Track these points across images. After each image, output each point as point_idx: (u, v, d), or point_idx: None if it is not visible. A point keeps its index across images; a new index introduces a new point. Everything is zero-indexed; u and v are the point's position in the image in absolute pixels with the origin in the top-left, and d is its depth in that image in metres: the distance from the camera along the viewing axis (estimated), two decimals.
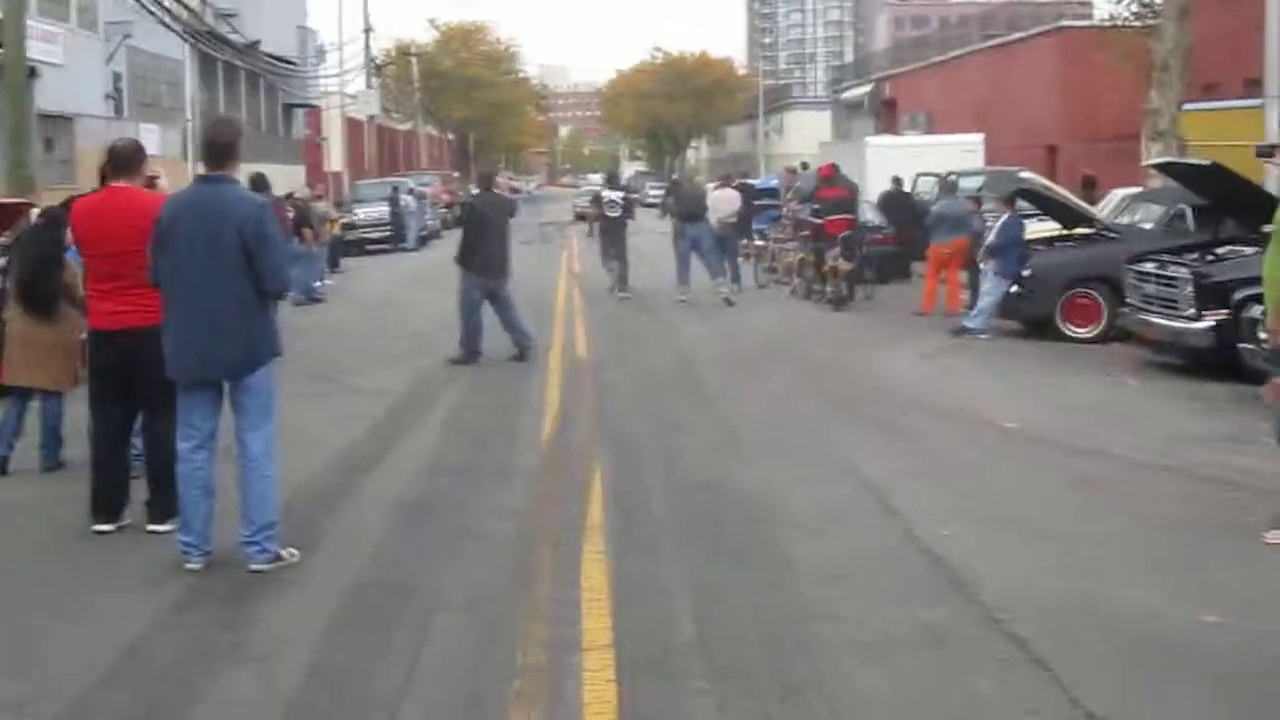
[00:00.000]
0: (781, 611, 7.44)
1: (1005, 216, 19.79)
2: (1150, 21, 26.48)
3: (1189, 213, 18.76)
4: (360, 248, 42.98)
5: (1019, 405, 13.95)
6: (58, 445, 11.32)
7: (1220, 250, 16.33)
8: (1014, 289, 19.32)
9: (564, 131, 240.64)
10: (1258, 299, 11.63)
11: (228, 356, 8.35)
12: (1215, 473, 10.63)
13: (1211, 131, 26.86)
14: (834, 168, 25.77)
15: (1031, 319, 19.58)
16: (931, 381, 15.93)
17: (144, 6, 32.04)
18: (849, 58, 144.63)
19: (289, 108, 63.39)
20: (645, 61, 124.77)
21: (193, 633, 7.34)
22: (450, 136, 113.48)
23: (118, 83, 42.08)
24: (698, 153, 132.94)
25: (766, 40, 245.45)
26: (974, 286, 20.97)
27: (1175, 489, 10.25)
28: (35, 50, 31.38)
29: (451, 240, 19.93)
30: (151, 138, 40.16)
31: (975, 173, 30.11)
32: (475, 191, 18.82)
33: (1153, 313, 16.27)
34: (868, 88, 70.94)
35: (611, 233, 27.04)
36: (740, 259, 28.02)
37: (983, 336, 19.27)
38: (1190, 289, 15.43)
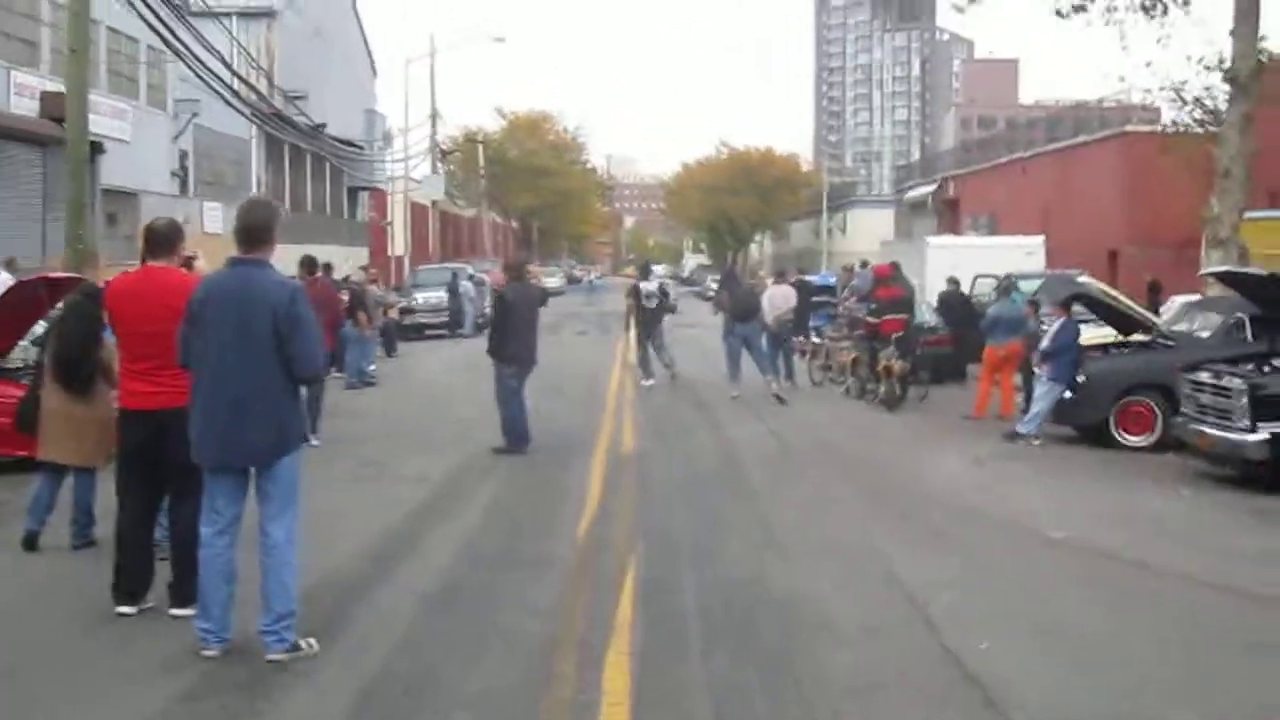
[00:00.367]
0: None
1: (1060, 321, 19.55)
2: (1213, 128, 26.28)
3: (1247, 322, 18.46)
4: (418, 333, 43.10)
5: (1068, 514, 13.66)
6: (89, 522, 11.26)
7: (1277, 361, 16.03)
8: (1068, 395, 19.05)
9: (629, 222, 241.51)
10: None
11: (254, 442, 8.23)
12: (1268, 591, 10.35)
13: (1274, 240, 26.54)
14: (895, 266, 25.66)
15: (1085, 425, 19.26)
16: (980, 487, 15.66)
17: (211, 88, 32.28)
18: (915, 157, 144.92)
19: (354, 190, 63.95)
20: (711, 155, 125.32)
21: None
22: (514, 224, 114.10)
23: (184, 160, 42.59)
24: (761, 247, 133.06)
25: (833, 138, 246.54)
26: (1028, 391, 20.70)
27: (1225, 607, 9.99)
28: (103, 126, 31.83)
29: None
30: (215, 215, 40.58)
31: (1033, 276, 29.84)
32: (505, 282, 18.74)
33: (1207, 423, 15.96)
34: (931, 187, 70.78)
35: (648, 324, 27.44)
36: (795, 356, 27.88)
37: (1035, 442, 18.98)
38: (1245, 400, 15.14)
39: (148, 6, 24.62)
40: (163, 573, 9.32)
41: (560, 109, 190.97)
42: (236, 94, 35.81)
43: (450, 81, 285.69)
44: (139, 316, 9.06)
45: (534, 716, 7.35)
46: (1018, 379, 22.07)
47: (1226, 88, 24.03)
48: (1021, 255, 35.84)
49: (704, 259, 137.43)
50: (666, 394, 25.67)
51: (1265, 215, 28.30)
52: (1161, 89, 27.51)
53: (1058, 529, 12.81)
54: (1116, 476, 16.46)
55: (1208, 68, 25.35)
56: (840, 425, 21.41)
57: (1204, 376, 16.25)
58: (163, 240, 9.32)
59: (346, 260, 43.51)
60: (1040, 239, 39.71)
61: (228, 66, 33.16)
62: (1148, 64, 29.40)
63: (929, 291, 29.98)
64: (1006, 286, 24.08)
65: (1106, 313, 21.20)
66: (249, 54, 41.77)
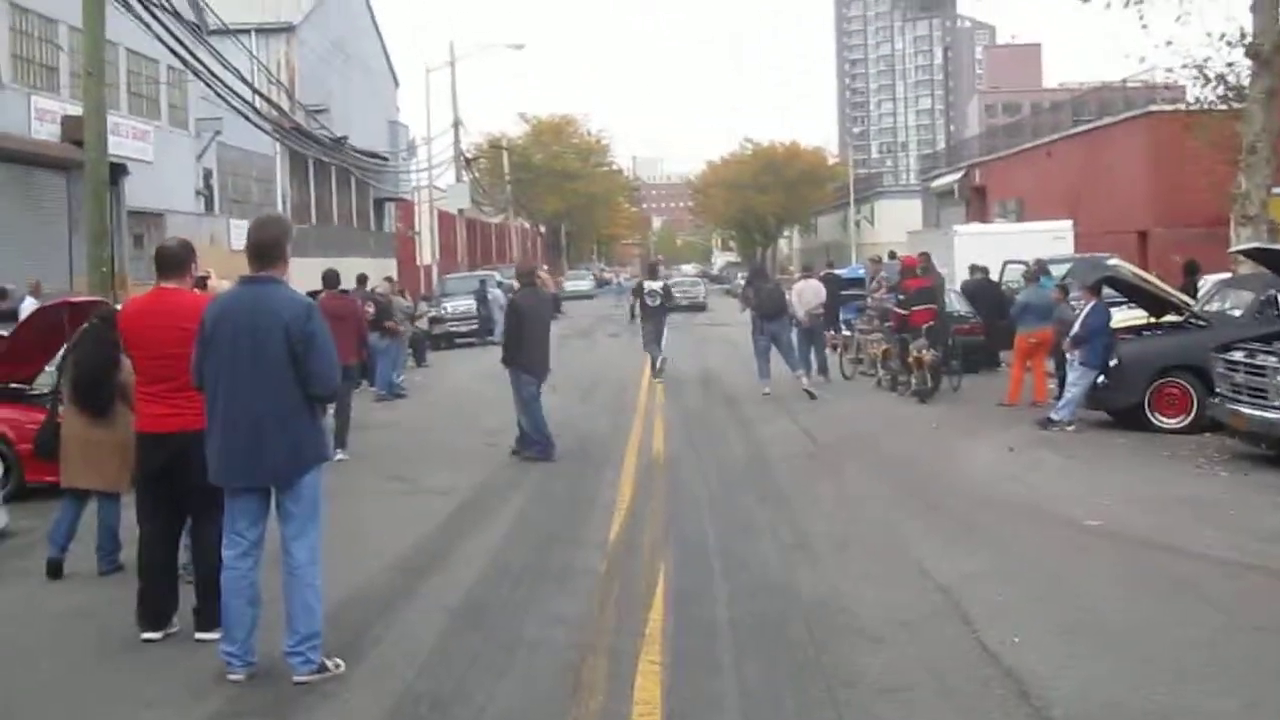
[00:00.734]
0: None
1: (1090, 305, 19.36)
2: (1237, 105, 26.01)
3: (1279, 299, 18.24)
4: (449, 341, 43.10)
5: (1103, 500, 13.51)
6: (116, 548, 11.19)
7: None
8: (1101, 379, 18.87)
9: (657, 223, 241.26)
10: None
11: (272, 462, 8.13)
12: None
13: None
14: (925, 256, 25.54)
15: (1119, 409, 19.08)
16: (1014, 476, 15.49)
17: (231, 106, 32.31)
18: (940, 145, 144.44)
19: (380, 202, 64.04)
20: (736, 152, 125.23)
21: None
22: (542, 229, 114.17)
23: (208, 179, 42.72)
24: (790, 242, 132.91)
25: (857, 130, 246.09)
26: (1062, 376, 20.53)
27: (1267, 590, 9.83)
28: (126, 148, 31.99)
29: None
30: (241, 233, 40.53)
31: (1062, 260, 29.63)
32: (517, 288, 18.76)
33: (1242, 402, 15.80)
34: (957, 175, 70.51)
35: (651, 320, 28.69)
36: (827, 350, 27.80)
37: (1069, 428, 18.81)
38: None
39: (164, 27, 24.59)
40: (188, 597, 9.24)
41: (584, 112, 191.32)
42: (257, 111, 35.82)
43: (472, 89, 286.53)
44: (152, 339, 8.99)
45: None
46: (1051, 365, 21.90)
47: (1249, 63, 23.76)
48: (1050, 240, 35.65)
49: (733, 256, 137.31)
50: (697, 394, 25.64)
51: None
52: (1184, 67, 27.14)
53: (1093, 516, 12.66)
54: (1152, 460, 16.30)
55: (1229, 44, 25.06)
56: (872, 419, 21.27)
57: (1238, 356, 16.08)
58: (174, 261, 9.25)
59: (378, 271, 43.47)
60: (1069, 224, 39.49)
61: (247, 84, 33.14)
62: (1168, 43, 28.92)
63: (958, 281, 29.80)
64: (1035, 272, 23.92)
65: (1137, 295, 21.01)
66: (268, 70, 41.75)
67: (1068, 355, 19.67)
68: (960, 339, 25.67)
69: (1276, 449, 15.47)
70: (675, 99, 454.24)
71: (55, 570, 11.22)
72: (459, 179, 74.20)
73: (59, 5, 29.13)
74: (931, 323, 23.38)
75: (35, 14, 30.94)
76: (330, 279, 19.60)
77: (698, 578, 10.70)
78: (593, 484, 15.67)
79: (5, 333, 16.26)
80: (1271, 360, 15.24)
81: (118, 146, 29.32)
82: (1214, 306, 20.21)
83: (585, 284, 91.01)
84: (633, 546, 12.09)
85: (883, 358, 25.84)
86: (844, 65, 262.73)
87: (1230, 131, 25.61)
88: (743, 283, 36.58)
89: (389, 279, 35.41)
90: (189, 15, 32.33)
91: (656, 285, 29.43)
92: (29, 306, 20.40)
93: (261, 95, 36.87)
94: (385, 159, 61.29)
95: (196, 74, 29.07)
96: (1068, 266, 28.49)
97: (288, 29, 51.08)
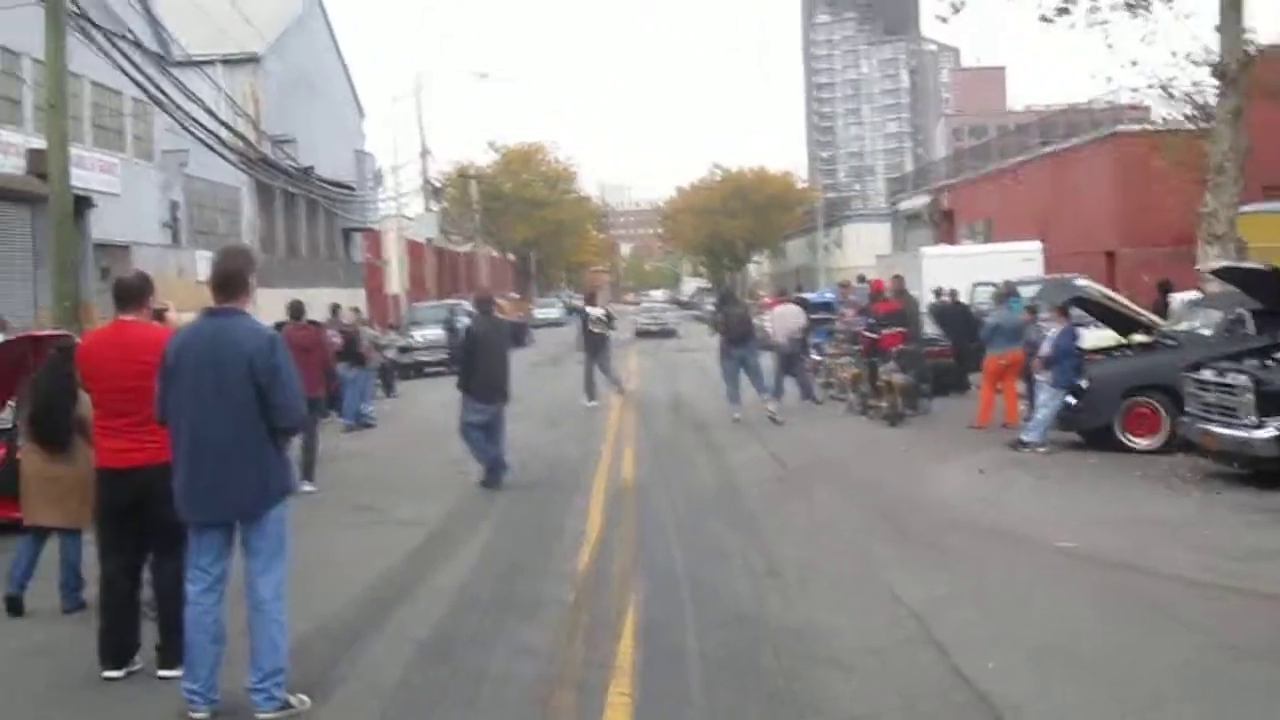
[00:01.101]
0: None
1: (1059, 326, 19.35)
2: (1204, 125, 26.08)
3: (1248, 318, 18.23)
4: (418, 370, 42.93)
5: (1076, 522, 13.46)
6: (79, 585, 10.99)
7: None
8: (1071, 400, 18.85)
9: (626, 249, 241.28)
10: None
11: (238, 496, 8.02)
12: None
13: (1271, 233, 26.33)
14: (899, 280, 25.60)
15: (1090, 430, 19.07)
16: (985, 499, 15.44)
17: (196, 137, 32.13)
18: (908, 168, 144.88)
19: (348, 232, 63.80)
20: (705, 178, 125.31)
21: None
22: (511, 257, 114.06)
23: (175, 211, 42.46)
24: (759, 267, 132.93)
25: (825, 154, 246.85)
26: (1032, 398, 20.50)
27: (1242, 611, 9.77)
28: (91, 180, 31.78)
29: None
30: (208, 264, 40.37)
31: (1030, 281, 29.64)
32: (473, 315, 19.04)
33: (1214, 421, 15.76)
34: (925, 198, 70.63)
35: (594, 346, 29.86)
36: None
37: (1040, 449, 18.78)
38: (1250, 396, 14.95)
39: (128, 59, 24.44)
40: (150, 634, 9.09)
41: (552, 139, 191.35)
42: (223, 142, 35.63)
43: (439, 117, 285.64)
44: (111, 372, 8.86)
45: None
46: (1021, 386, 21.88)
47: (1215, 83, 23.82)
48: (1019, 261, 35.63)
49: (703, 282, 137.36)
50: (667, 419, 25.55)
51: (1261, 209, 28.08)
52: (1150, 86, 27.25)
53: (1065, 538, 12.60)
54: (1124, 480, 16.26)
55: (1195, 63, 25.14)
56: (843, 443, 21.20)
57: (1208, 375, 16.06)
58: (133, 293, 9.14)
59: (347, 301, 43.33)
60: (1037, 245, 39.53)
61: (212, 115, 32.96)
62: (1134, 63, 29.10)
63: (925, 303, 29.80)
64: (1003, 294, 23.92)
65: (1106, 315, 21.01)
66: (234, 101, 41.54)
67: (1036, 376, 19.66)
68: (930, 361, 25.64)
69: (1248, 468, 15.43)
70: (644, 126, 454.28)
71: (15, 608, 11.04)
72: (427, 208, 74.08)
73: (22, 38, 28.89)
74: (900, 346, 23.36)
75: None
76: (295, 310, 19.46)
77: (667, 607, 10.58)
78: (561, 513, 15.52)
79: None
80: (1241, 379, 15.22)
81: (83, 179, 29.10)
82: (1184, 325, 20.22)
83: (555, 311, 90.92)
84: (602, 577, 11.98)
85: (853, 382, 25.80)
86: (812, 89, 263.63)
87: (1197, 151, 25.65)
88: (712, 308, 36.73)
89: (354, 309, 35.28)
90: (153, 46, 32.22)
91: (599, 312, 30.58)
92: None
93: (227, 126, 36.69)
94: (352, 189, 61.10)
95: (161, 105, 28.91)
96: (1037, 288, 28.49)
97: (253, 59, 50.86)
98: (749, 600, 10.79)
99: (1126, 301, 21.34)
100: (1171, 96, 26.96)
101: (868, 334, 24.19)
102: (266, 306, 22.83)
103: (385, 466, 20.90)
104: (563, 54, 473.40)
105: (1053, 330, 19.54)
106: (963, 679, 8.21)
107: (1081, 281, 25.15)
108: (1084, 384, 18.81)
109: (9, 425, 14.55)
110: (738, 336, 25.22)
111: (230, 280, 8.29)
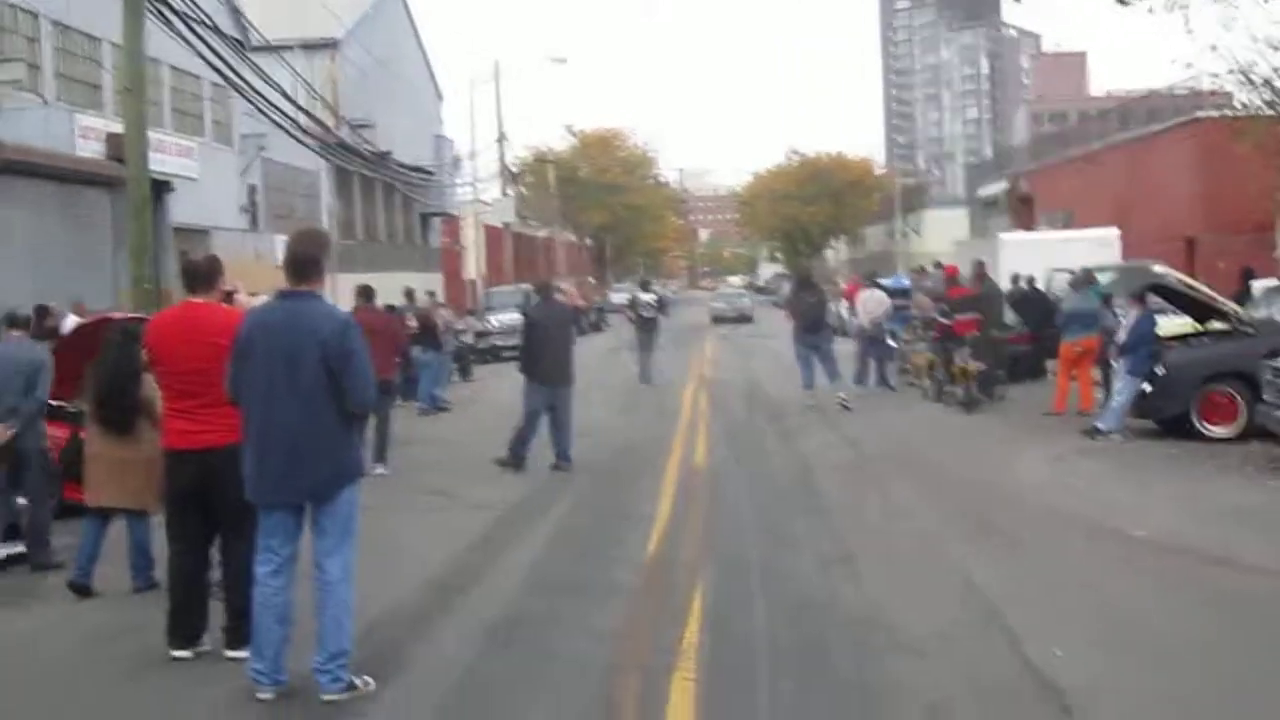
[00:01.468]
0: None
1: (1135, 313, 19.14)
2: None
3: None
4: (495, 354, 42.96)
5: (1150, 511, 13.32)
6: (148, 565, 11.03)
7: None
8: (1147, 388, 18.64)
9: (704, 235, 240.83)
10: None
11: (308, 479, 8.03)
12: None
13: None
14: (980, 265, 25.52)
15: (1166, 418, 18.84)
16: (1059, 487, 15.30)
17: (274, 122, 32.29)
18: (987, 155, 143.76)
19: (426, 217, 64.04)
20: (782, 164, 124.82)
21: None
22: (588, 242, 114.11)
23: (253, 195, 42.80)
24: (836, 254, 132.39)
25: (903, 140, 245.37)
26: (1109, 385, 20.30)
27: None
28: (170, 164, 32.05)
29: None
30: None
31: (1106, 268, 29.32)
32: (535, 302, 19.38)
33: None
34: (1004, 185, 70.07)
35: (645, 330, 31.64)
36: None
37: (1115, 437, 18.59)
38: None
39: (206, 44, 24.59)
40: (218, 614, 9.15)
41: (630, 125, 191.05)
42: (301, 127, 35.83)
43: (517, 102, 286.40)
44: (179, 354, 8.87)
45: None
46: (1097, 373, 21.67)
47: None
48: (1097, 247, 35.25)
49: (780, 268, 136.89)
50: (741, 405, 25.52)
51: None
52: (1230, 72, 26.85)
53: (1139, 527, 12.47)
54: (1199, 469, 16.07)
55: (1275, 48, 24.76)
56: (917, 430, 21.08)
57: None
58: (201, 275, 9.15)
59: (425, 286, 43.50)
60: (1115, 231, 39.09)
61: (290, 100, 33.14)
62: (1213, 48, 28.67)
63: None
64: (1081, 281, 23.67)
65: (1183, 302, 20.76)
66: (311, 87, 41.73)
67: (1113, 364, 19.46)
68: (1006, 348, 25.45)
69: None
70: (721, 111, 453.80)
71: (80, 591, 11.09)
72: (504, 193, 74.24)
73: (102, 23, 29.17)
74: (975, 332, 23.19)
75: (78, 32, 31.04)
76: (365, 293, 19.51)
77: (736, 593, 10.54)
78: (632, 498, 15.52)
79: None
80: None
81: (161, 163, 29.39)
82: (1262, 312, 19.95)
83: (624, 297, 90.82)
84: (671, 561, 11.95)
85: (928, 368, 25.65)
86: (890, 75, 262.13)
87: (1277, 137, 25.29)
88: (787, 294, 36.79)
89: (430, 293, 35.44)
90: (232, 31, 32.41)
91: (650, 298, 32.43)
92: (71, 324, 20.42)
93: (305, 111, 36.88)
94: (430, 173, 61.27)
95: (239, 90, 29.07)
96: (1113, 275, 28.20)
97: (331, 44, 51.10)
98: (819, 587, 10.73)
99: (1204, 288, 21.06)
100: (1251, 82, 26.53)
101: (942, 320, 24.02)
102: (345, 291, 22.99)
103: (458, 450, 20.92)
104: (642, 40, 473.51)
105: (1130, 317, 19.32)
106: (1033, 667, 8.12)
107: (1158, 268, 24.89)
108: (1160, 371, 18.60)
109: (76, 410, 14.79)
110: (810, 324, 25.08)
111: (303, 263, 8.28)
